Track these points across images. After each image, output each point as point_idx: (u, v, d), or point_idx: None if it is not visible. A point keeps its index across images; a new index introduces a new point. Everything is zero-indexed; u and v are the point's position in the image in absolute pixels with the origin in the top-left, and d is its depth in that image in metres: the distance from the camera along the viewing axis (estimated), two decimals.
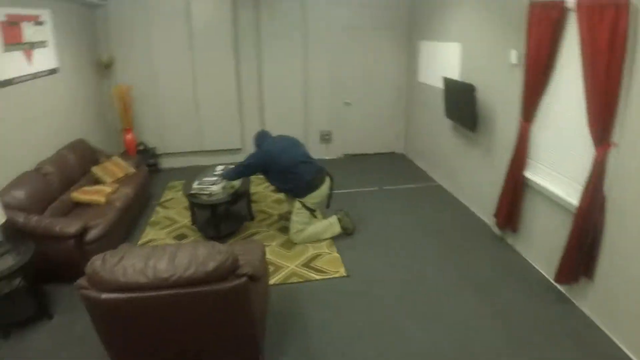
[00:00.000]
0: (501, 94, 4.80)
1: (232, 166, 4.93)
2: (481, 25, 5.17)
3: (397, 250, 4.74)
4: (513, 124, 4.57)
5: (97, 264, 2.45)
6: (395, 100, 7.93)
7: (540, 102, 4.19)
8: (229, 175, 4.81)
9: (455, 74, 5.83)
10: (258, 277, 2.78)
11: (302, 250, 4.71)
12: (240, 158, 7.49)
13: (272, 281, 4.12)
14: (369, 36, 7.43)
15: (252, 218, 5.46)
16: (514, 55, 4.44)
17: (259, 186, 6.51)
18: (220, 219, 4.97)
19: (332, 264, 4.45)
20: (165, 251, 2.53)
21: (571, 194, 3.86)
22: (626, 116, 3.24)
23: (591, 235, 3.53)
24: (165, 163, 7.50)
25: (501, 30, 4.75)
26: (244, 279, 2.57)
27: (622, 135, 3.28)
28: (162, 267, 2.43)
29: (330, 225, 4.95)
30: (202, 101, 7.17)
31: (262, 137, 4.95)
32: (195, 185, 4.86)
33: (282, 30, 7.01)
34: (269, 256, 4.40)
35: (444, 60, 6.24)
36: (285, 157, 4.63)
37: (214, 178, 4.97)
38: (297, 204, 4.80)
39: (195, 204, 4.90)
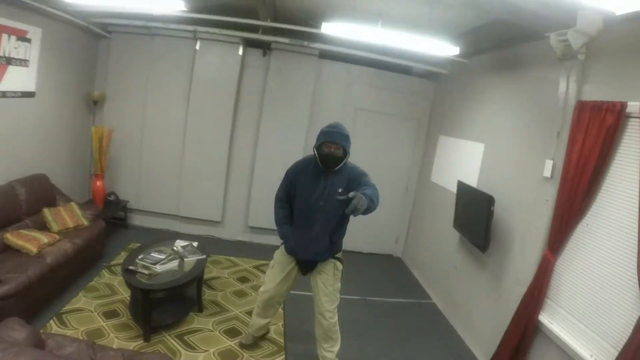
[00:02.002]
0: (525, 213, 4.03)
1: (372, 189, 3.25)
2: (512, 127, 4.55)
3: None
4: (535, 252, 3.79)
5: None
6: (402, 198, 7.23)
7: (575, 229, 3.39)
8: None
9: (472, 180, 5.10)
10: None
11: None
12: (218, 232, 6.93)
13: None
14: (383, 122, 6.89)
15: (200, 309, 4.55)
16: (549, 167, 3.68)
17: (225, 270, 5.68)
18: (155, 306, 3.99)
19: None
20: None
21: (598, 358, 2.94)
22: None
23: None
24: (136, 220, 6.77)
25: (535, 135, 4.09)
26: None
27: None
28: None
29: None
30: (188, 161, 6.54)
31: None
32: (138, 259, 4.08)
33: (290, 99, 6.48)
34: None
35: (462, 161, 5.61)
36: None
37: (163, 256, 4.20)
38: (339, 265, 3.68)
39: (127, 283, 3.99)
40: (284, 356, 3.97)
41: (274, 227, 6.64)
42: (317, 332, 3.76)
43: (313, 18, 5.28)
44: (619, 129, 2.99)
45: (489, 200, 4.30)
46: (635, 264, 2.69)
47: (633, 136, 2.91)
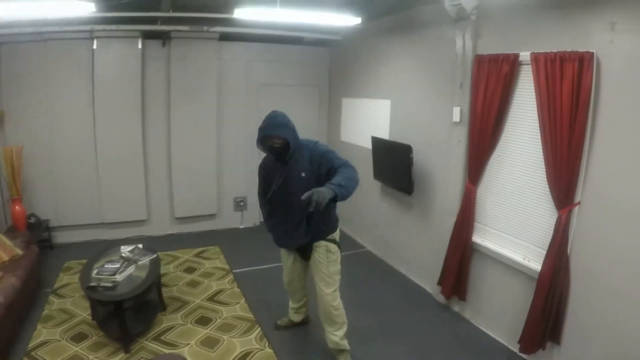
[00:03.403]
0: (442, 154, 4.72)
1: (343, 170, 3.23)
2: (416, 82, 5.21)
3: None
4: (457, 186, 4.50)
5: None
6: None
7: (489, 161, 4.13)
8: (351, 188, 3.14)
9: (384, 134, 5.71)
10: None
11: (228, 348, 3.98)
12: (146, 230, 6.88)
13: None
14: (286, 93, 7.26)
15: (164, 308, 4.65)
16: (457, 113, 4.37)
17: (168, 265, 5.79)
18: (127, 315, 4.01)
19: None
20: None
21: (530, 258, 3.74)
22: (589, 174, 3.18)
23: (557, 299, 3.45)
24: (60, 237, 6.46)
25: (440, 87, 4.76)
26: None
27: (585, 193, 3.23)
28: None
29: None
30: (103, 165, 6.37)
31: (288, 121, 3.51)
32: (94, 274, 4.04)
33: (195, 87, 6.59)
34: None
35: (371, 119, 6.24)
36: None
37: (118, 265, 4.21)
38: (332, 247, 3.63)
39: (96, 300, 3.99)
40: (259, 328, 4.28)
41: (200, 213, 6.91)
42: (320, 315, 3.77)
43: (214, 2, 5.33)
44: (515, 75, 3.72)
45: (408, 149, 4.96)
46: (545, 175, 3.43)
47: (526, 79, 3.65)
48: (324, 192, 2.85)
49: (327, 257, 3.58)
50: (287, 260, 3.92)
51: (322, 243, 3.58)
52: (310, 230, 3.53)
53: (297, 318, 4.28)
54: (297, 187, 3.28)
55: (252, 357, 3.85)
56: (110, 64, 6.08)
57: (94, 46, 5.97)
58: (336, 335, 3.68)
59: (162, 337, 4.11)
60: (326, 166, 3.32)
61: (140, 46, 6.14)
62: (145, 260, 4.49)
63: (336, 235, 3.67)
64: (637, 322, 2.99)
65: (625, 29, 2.91)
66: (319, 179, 3.31)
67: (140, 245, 4.80)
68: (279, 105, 7.22)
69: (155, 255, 4.61)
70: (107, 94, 6.14)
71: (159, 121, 6.60)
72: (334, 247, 3.61)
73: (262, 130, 3.34)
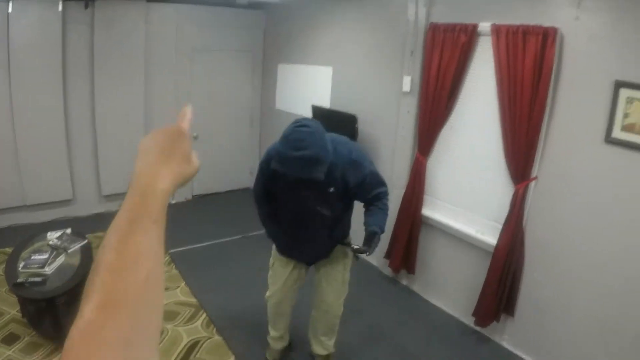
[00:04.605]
0: (389, 125, 4.61)
1: (383, 203, 2.80)
2: (363, 49, 4.99)
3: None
4: (406, 157, 4.42)
5: None
6: (248, 130, 7.43)
7: (441, 133, 4.07)
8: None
9: (325, 102, 5.52)
10: None
11: (174, 339, 3.69)
12: (72, 211, 6.29)
13: None
14: (218, 59, 6.83)
15: None
16: (407, 82, 4.24)
17: (99, 248, 5.20)
18: (61, 311, 3.58)
19: (216, 353, 3.58)
20: None
21: (484, 232, 3.73)
22: (546, 149, 3.19)
23: (512, 273, 3.51)
24: None
25: (389, 54, 4.58)
26: None
27: (542, 168, 3.25)
28: None
29: None
30: (22, 142, 5.62)
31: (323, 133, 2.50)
32: (20, 268, 3.58)
33: (121, 53, 5.95)
34: None
35: (310, 86, 5.99)
36: None
37: (46, 255, 3.73)
38: (348, 251, 3.05)
39: (26, 298, 3.55)
40: (204, 314, 4.04)
41: None
42: (318, 326, 3.23)
43: None
44: (472, 46, 3.62)
45: (352, 119, 4.79)
46: (502, 149, 3.42)
47: (484, 49, 3.56)
48: (376, 239, 2.66)
49: (343, 263, 3.03)
50: (282, 271, 3.09)
51: (340, 249, 3.00)
52: (338, 239, 2.96)
53: (281, 345, 3.43)
54: (322, 203, 2.69)
55: (200, 346, 3.62)
56: (28, 28, 5.31)
57: (9, 9, 5.18)
58: (329, 344, 3.28)
59: None
60: (365, 190, 2.70)
61: (60, 9, 5.43)
62: (76, 247, 4.04)
63: (350, 237, 3.09)
64: (587, 296, 3.11)
65: (592, 7, 2.89)
66: (346, 193, 2.70)
67: (68, 230, 4.33)
68: (212, 70, 7.01)
69: (86, 241, 4.18)
70: (25, 63, 5.38)
71: (82, 91, 5.94)
72: (349, 252, 3.03)
73: (282, 162, 2.38)
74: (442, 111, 3.92)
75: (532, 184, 3.34)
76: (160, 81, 6.43)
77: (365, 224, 2.70)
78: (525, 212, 3.40)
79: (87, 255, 3.96)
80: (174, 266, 4.84)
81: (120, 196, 6.32)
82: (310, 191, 2.61)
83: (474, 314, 3.74)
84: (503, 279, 3.49)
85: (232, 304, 4.22)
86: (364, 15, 4.90)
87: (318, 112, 5.51)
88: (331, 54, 5.48)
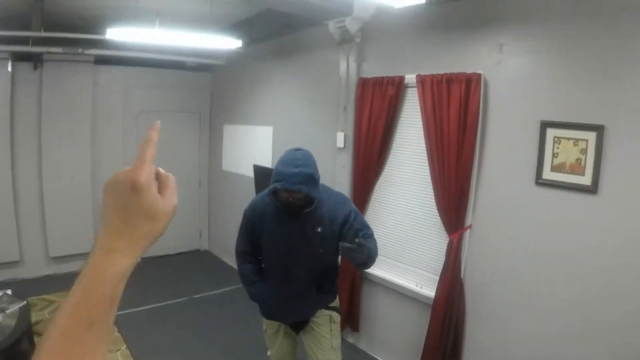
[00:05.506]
0: (326, 182, 4.30)
1: (370, 238, 2.61)
2: (300, 107, 4.96)
3: None
4: None
5: None
6: (197, 192, 7.19)
7: (375, 187, 3.95)
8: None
9: (267, 162, 5.39)
10: None
11: None
12: (20, 272, 5.88)
13: None
14: (167, 121, 6.57)
15: None
16: (341, 138, 4.14)
17: (43, 310, 4.88)
18: None
19: None
20: None
21: (423, 284, 3.60)
22: (479, 196, 3.09)
23: (454, 323, 3.31)
24: None
25: (324, 111, 4.53)
26: None
27: (475, 216, 3.14)
28: None
29: None
30: None
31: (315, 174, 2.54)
32: None
33: (69, 114, 5.76)
34: None
35: (253, 146, 5.87)
36: None
37: None
38: (335, 316, 2.84)
39: None
40: None
41: (78, 252, 6.01)
42: None
43: (90, 22, 4.81)
44: (400, 98, 3.58)
45: None
46: (437, 205, 3.30)
47: (412, 100, 3.53)
48: (364, 255, 2.32)
49: (330, 329, 2.79)
50: (274, 335, 2.89)
51: (325, 312, 2.78)
52: (325, 297, 2.77)
53: None
54: (309, 245, 2.56)
55: None
56: None
57: None
58: None
59: None
60: (350, 228, 2.54)
61: (10, 69, 5.30)
62: (14, 308, 3.77)
63: (337, 300, 2.89)
64: (530, 343, 2.94)
65: (512, 51, 2.90)
66: (334, 237, 2.55)
67: (9, 291, 4.06)
68: (160, 134, 6.71)
69: (24, 303, 3.90)
70: None
71: (30, 152, 5.70)
72: (336, 316, 2.82)
73: (280, 176, 2.39)
74: (374, 165, 3.82)
75: (467, 232, 3.21)
76: (108, 142, 6.22)
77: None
78: (463, 262, 3.25)
79: (25, 316, 3.81)
80: (116, 329, 4.40)
81: (67, 258, 5.97)
82: (299, 234, 2.55)
83: None
84: (445, 331, 3.27)
85: None
86: (301, 74, 4.88)
87: (259, 171, 5.37)
88: (272, 113, 5.41)
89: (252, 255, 2.79)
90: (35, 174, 5.79)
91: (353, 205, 2.72)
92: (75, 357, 0.55)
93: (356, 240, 2.24)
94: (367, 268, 2.52)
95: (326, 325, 2.76)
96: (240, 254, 2.83)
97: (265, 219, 2.63)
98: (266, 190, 2.60)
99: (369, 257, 2.39)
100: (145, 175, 0.64)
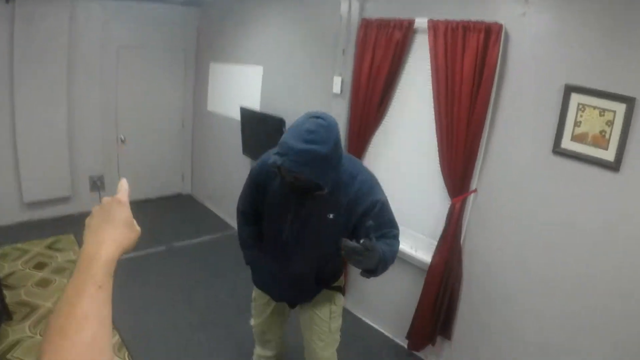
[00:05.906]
0: None
1: (391, 240, 2.12)
2: (294, 47, 4.49)
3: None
4: None
5: None
6: (179, 134, 6.79)
7: (372, 139, 3.63)
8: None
9: (255, 104, 5.05)
10: None
11: None
12: None
13: None
14: (149, 58, 6.15)
15: (9, 317, 3.57)
16: (337, 83, 3.76)
17: (17, 261, 4.56)
18: None
19: None
20: None
21: (419, 248, 3.35)
22: (487, 159, 2.80)
23: (449, 292, 3.12)
24: None
25: (320, 53, 4.10)
26: None
27: (482, 180, 2.87)
28: None
29: None
30: None
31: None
32: None
33: (44, 51, 5.18)
34: None
35: (241, 87, 5.44)
36: None
37: None
38: (338, 298, 2.49)
39: None
40: (117, 336, 3.47)
41: (53, 196, 5.64)
42: None
43: None
44: (407, 44, 3.18)
45: (280, 123, 4.33)
46: (440, 166, 3.01)
47: (421, 48, 3.14)
48: (374, 260, 1.79)
49: (330, 311, 2.43)
50: (263, 306, 2.56)
51: (326, 293, 2.42)
52: (324, 283, 2.38)
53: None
54: (315, 232, 2.12)
55: None
56: None
57: None
58: None
59: (8, 356, 3.17)
60: (373, 221, 1.89)
61: None
62: None
63: (342, 279, 2.52)
64: (531, 318, 2.76)
65: (541, 2, 2.51)
66: (348, 224, 2.08)
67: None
68: (141, 70, 6.25)
69: None
70: None
71: (1, 93, 5.16)
72: (339, 297, 2.47)
73: (282, 149, 1.80)
74: (373, 115, 3.47)
75: (471, 197, 2.95)
76: (85, 81, 5.69)
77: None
78: (464, 228, 3.01)
79: None
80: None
81: (42, 203, 5.64)
82: (307, 217, 2.09)
83: (408, 336, 3.32)
84: (439, 299, 3.08)
85: (149, 325, 3.69)
86: (298, 11, 4.39)
87: (246, 114, 5.01)
88: (263, 52, 4.95)
89: (253, 216, 2.40)
90: (7, 114, 5.29)
91: (382, 195, 2.13)
92: (91, 311, 0.71)
93: (361, 240, 1.71)
94: (375, 276, 1.94)
95: (326, 306, 2.41)
96: (240, 214, 2.47)
97: (269, 187, 2.17)
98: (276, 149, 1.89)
99: (380, 265, 1.86)
100: (126, 198, 0.94)
